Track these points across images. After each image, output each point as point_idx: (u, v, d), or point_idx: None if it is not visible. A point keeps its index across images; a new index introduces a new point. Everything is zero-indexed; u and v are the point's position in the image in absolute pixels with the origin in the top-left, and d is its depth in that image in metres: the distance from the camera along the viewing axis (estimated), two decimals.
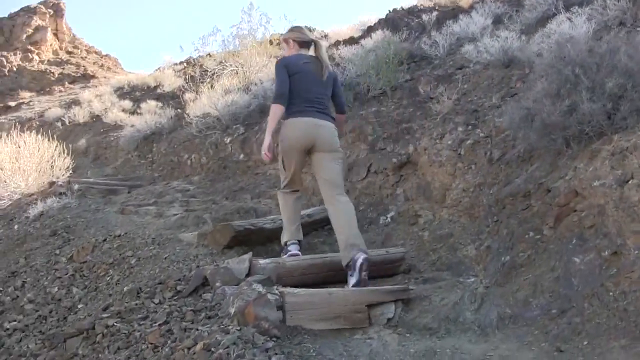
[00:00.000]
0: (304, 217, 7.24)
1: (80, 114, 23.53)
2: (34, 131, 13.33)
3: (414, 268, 7.04)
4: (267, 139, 6.11)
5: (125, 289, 6.73)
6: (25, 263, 8.43)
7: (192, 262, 6.95)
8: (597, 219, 6.09)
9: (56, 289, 7.50)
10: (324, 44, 7.60)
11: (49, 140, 12.23)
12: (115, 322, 5.77)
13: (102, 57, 39.24)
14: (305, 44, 6.44)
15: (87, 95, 26.48)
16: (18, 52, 41.40)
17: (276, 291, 6.04)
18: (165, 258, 7.21)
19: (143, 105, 19.83)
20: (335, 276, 7.08)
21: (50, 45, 37.15)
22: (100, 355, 5.52)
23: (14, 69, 40.12)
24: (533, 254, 6.43)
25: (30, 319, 6.98)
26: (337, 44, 13.63)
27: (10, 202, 11.40)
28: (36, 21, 36.75)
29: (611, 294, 5.58)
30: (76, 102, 28.43)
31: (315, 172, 6.49)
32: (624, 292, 5.53)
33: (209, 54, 21.68)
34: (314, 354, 5.44)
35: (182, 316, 5.54)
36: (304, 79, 6.20)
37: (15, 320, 6.90)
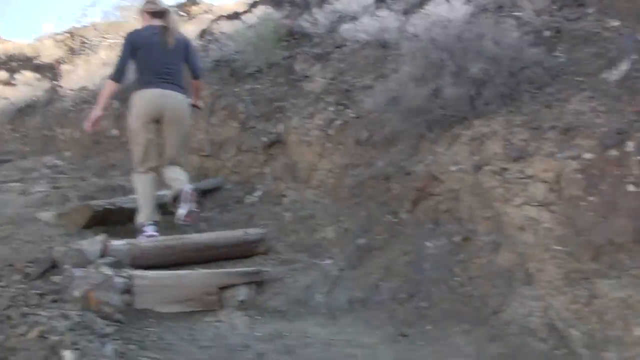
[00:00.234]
0: (167, 196, 6.98)
1: None
2: None
3: (273, 249, 7.04)
4: (95, 112, 6.31)
5: None
6: None
7: (46, 243, 6.73)
8: (452, 204, 6.21)
9: None
10: (174, 11, 7.50)
11: None
12: None
13: None
14: (157, 14, 6.45)
15: None
16: None
17: (125, 274, 5.91)
18: (20, 238, 6.97)
19: (18, 76, 19.17)
20: (193, 257, 7.04)
21: None
22: None
23: None
24: (389, 237, 6.51)
25: None
26: (219, 18, 13.49)
27: None
28: None
29: (458, 279, 5.71)
30: None
31: (163, 141, 6.59)
32: (470, 277, 5.67)
33: (93, 24, 21.10)
34: (155, 339, 5.36)
35: (26, 300, 5.35)
36: (151, 50, 6.33)
37: None
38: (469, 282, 5.56)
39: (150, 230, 6.72)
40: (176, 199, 6.47)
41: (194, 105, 7.23)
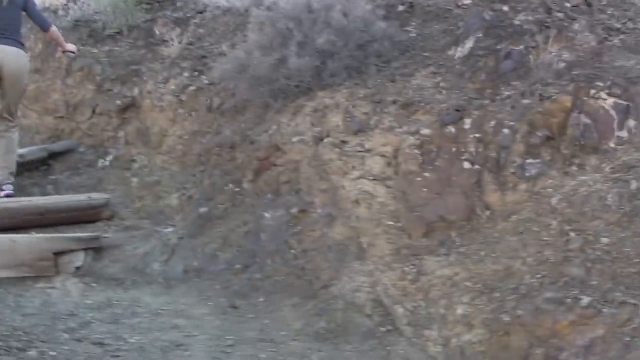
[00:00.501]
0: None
1: None
2: None
3: (118, 215, 6.55)
4: None
5: None
6: None
7: None
8: (292, 175, 5.84)
9: None
10: None
11: None
12: None
13: None
14: None
15: None
16: None
17: None
18: None
19: None
20: (34, 221, 6.57)
21: None
22: None
23: None
24: (230, 206, 6.09)
25: None
26: None
27: None
28: None
29: (293, 251, 5.37)
30: None
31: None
32: (305, 250, 5.33)
33: None
34: None
35: None
36: None
37: None
38: (303, 255, 5.19)
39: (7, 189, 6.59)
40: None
41: (65, 52, 7.40)
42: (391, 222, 4.82)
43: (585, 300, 3.87)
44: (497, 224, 4.53)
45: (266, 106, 6.33)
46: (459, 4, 6.51)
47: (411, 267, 4.52)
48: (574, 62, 5.31)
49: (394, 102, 5.46)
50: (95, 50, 8.89)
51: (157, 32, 8.75)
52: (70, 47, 7.46)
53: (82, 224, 6.78)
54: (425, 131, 5.10)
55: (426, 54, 6.24)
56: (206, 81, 7.56)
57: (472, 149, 4.95)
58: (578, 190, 4.52)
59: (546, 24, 5.63)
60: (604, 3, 5.91)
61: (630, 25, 5.66)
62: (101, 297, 5.44)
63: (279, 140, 5.86)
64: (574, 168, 4.74)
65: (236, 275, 5.47)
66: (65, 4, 9.70)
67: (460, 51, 5.95)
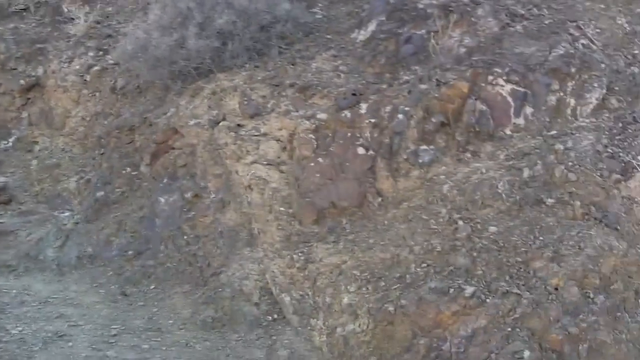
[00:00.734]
0: None
1: None
2: None
3: (16, 199, 6.21)
4: None
5: None
6: None
7: None
8: (189, 158, 5.53)
9: None
10: None
11: None
12: None
13: None
14: None
15: None
16: None
17: None
18: None
19: None
20: None
21: None
22: None
23: None
24: (128, 190, 5.76)
25: None
26: None
27: None
28: None
29: (186, 237, 5.07)
30: None
31: None
32: (197, 236, 5.04)
33: None
34: None
35: None
36: None
37: None
38: (196, 241, 4.91)
39: None
40: None
41: None
42: (283, 209, 4.56)
43: (470, 290, 3.68)
44: (388, 212, 4.30)
45: (166, 88, 5.99)
46: None
47: (300, 254, 4.27)
48: (475, 47, 5.12)
49: (292, 85, 5.20)
50: (0, 28, 8.28)
51: (65, 9, 8.18)
52: None
53: None
54: (322, 115, 4.84)
55: (329, 36, 5.97)
56: (111, 61, 7.08)
57: (367, 135, 4.70)
58: (470, 178, 4.33)
59: (450, 8, 5.40)
60: None
61: (535, 11, 5.49)
62: None
63: (177, 123, 5.54)
64: (468, 155, 4.54)
65: (129, 262, 5.17)
66: None
67: (362, 34, 5.70)
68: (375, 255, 4.09)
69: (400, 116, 4.65)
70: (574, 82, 4.80)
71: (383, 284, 3.91)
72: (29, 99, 7.53)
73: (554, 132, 4.60)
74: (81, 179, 6.11)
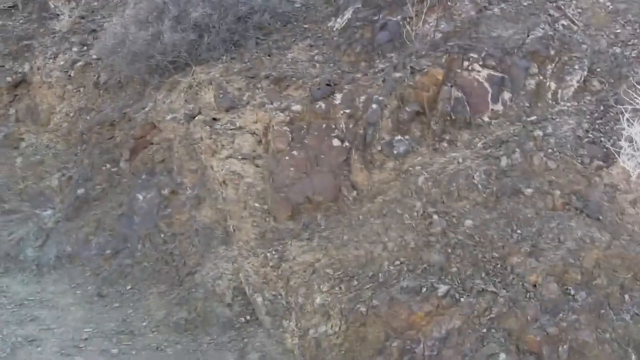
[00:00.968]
0: None
1: None
2: None
3: (0, 197, 5.71)
4: None
5: None
6: None
7: None
8: (166, 154, 5.17)
9: None
10: None
11: None
12: None
13: None
14: None
15: None
16: None
17: None
18: None
19: None
20: None
21: None
22: None
23: None
24: (108, 187, 5.46)
25: None
26: None
27: None
28: None
29: (163, 235, 4.77)
30: None
31: None
32: (174, 234, 4.72)
33: None
34: None
35: None
36: None
37: None
38: (172, 239, 4.63)
39: None
40: None
41: None
42: (257, 204, 4.26)
43: (443, 288, 3.36)
44: (363, 206, 3.99)
45: (145, 82, 5.70)
46: None
47: (274, 252, 3.97)
48: (451, 32, 4.79)
49: (267, 77, 4.88)
50: None
51: (52, 5, 7.84)
52: None
53: None
54: (296, 107, 4.53)
55: (306, 25, 5.65)
56: (94, 56, 6.74)
57: (342, 126, 4.36)
58: (446, 169, 4.00)
59: None
60: None
61: None
62: None
63: (155, 118, 5.23)
64: (444, 144, 4.23)
65: (107, 261, 4.90)
66: None
67: (339, 23, 5.37)
68: (349, 253, 3.78)
69: (374, 106, 4.33)
70: (553, 64, 4.47)
71: (356, 283, 3.61)
72: (16, 95, 7.23)
73: (533, 117, 4.28)
74: (63, 176, 5.82)
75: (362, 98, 4.40)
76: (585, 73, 4.47)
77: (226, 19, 5.53)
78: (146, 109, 5.48)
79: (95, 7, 7.59)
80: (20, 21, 7.82)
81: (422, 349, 3.28)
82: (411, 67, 4.41)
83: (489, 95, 4.34)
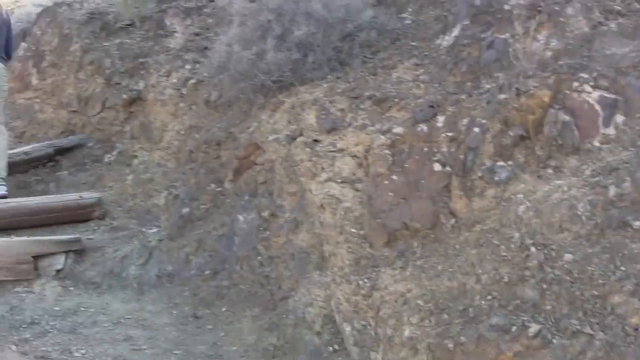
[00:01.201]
0: (21, 154, 7.36)
1: None
2: None
3: (110, 214, 6.31)
4: None
5: None
6: None
7: None
8: (268, 175, 5.35)
9: None
10: None
11: None
12: None
13: None
14: None
15: None
16: None
17: None
18: None
19: None
20: (24, 222, 6.48)
21: None
22: None
23: None
24: (211, 207, 5.69)
25: None
26: None
27: None
28: None
29: (260, 258, 4.94)
30: None
31: None
32: (271, 257, 4.90)
33: None
34: None
35: None
36: None
37: None
38: (269, 262, 4.78)
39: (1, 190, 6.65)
40: None
41: None
42: (354, 230, 4.31)
43: (535, 327, 3.31)
44: (460, 234, 3.98)
45: (250, 102, 5.82)
46: None
47: (366, 280, 4.04)
48: (561, 50, 4.69)
49: (370, 97, 4.91)
50: (107, 44, 8.52)
51: (167, 23, 8.23)
52: None
53: (73, 223, 6.38)
54: (398, 129, 4.57)
55: (414, 43, 5.68)
56: (205, 74, 7.03)
57: (444, 149, 4.35)
58: (550, 197, 3.92)
59: (539, 8, 4.94)
60: None
61: (635, 6, 4.93)
62: (72, 303, 5.23)
63: (258, 138, 5.39)
64: (549, 171, 4.13)
65: (205, 282, 5.11)
66: None
67: (446, 40, 5.37)
68: (442, 284, 3.79)
69: (476, 130, 4.29)
70: None
71: (446, 316, 3.60)
72: (131, 112, 7.65)
73: None
74: (170, 195, 6.08)
75: (465, 121, 4.39)
76: None
77: (331, 37, 5.63)
78: (250, 129, 5.66)
79: (210, 24, 7.86)
80: (137, 39, 8.23)
81: None
82: (516, 89, 4.35)
83: (600, 119, 4.23)
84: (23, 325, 4.76)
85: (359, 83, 5.37)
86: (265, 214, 5.05)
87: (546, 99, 4.33)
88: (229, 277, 4.88)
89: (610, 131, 4.22)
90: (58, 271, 5.62)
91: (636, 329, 3.22)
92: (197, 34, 7.99)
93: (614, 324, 3.26)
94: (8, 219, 6.07)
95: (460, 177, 4.31)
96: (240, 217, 5.13)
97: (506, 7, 5.19)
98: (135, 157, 7.37)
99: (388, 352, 3.81)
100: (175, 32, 8.05)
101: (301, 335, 4.23)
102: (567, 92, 4.35)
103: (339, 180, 4.77)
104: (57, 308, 4.96)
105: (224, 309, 4.69)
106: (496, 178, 4.23)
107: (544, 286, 3.52)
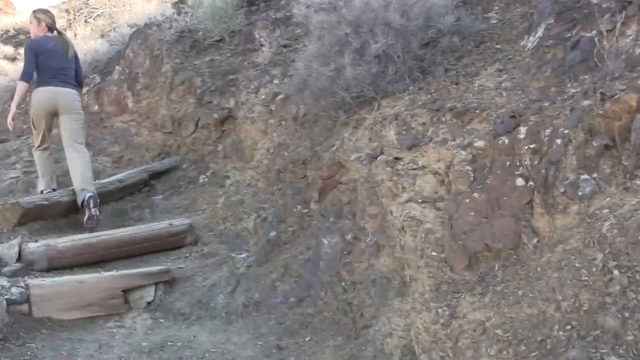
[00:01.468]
0: (115, 182, 7.71)
1: None
2: None
3: (202, 239, 6.56)
4: (12, 111, 7.08)
5: None
6: None
7: None
8: (352, 195, 5.43)
9: None
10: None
11: None
12: None
13: None
14: (51, 29, 7.37)
15: None
16: None
17: (22, 284, 5.66)
18: None
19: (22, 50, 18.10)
20: (116, 254, 6.76)
21: None
22: None
23: None
24: (298, 229, 5.85)
25: None
26: None
27: None
28: None
29: (343, 284, 5.08)
30: None
31: (60, 129, 7.32)
32: (354, 282, 5.00)
33: None
34: (29, 357, 4.95)
35: None
36: (51, 56, 7.14)
37: None
38: (352, 288, 4.90)
39: None
40: (82, 205, 7.05)
41: None
42: (435, 253, 4.38)
43: None
44: (542, 256, 3.97)
45: (334, 119, 5.92)
46: None
47: (445, 308, 4.07)
48: None
49: (452, 109, 4.92)
50: (197, 62, 8.82)
51: (256, 35, 8.44)
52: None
53: (165, 251, 6.65)
54: (479, 143, 4.61)
55: (498, 46, 5.65)
56: (294, 88, 7.18)
57: (527, 163, 4.33)
58: (637, 212, 3.83)
59: (629, 1, 4.81)
60: None
61: None
62: (161, 336, 5.41)
63: (342, 157, 5.48)
64: (638, 182, 4.02)
65: (290, 310, 5.27)
66: (169, 17, 9.60)
67: (531, 41, 5.31)
68: (522, 312, 3.79)
69: (558, 141, 4.24)
70: None
71: (524, 347, 3.61)
72: (223, 131, 7.88)
73: None
74: (258, 217, 6.26)
75: (548, 131, 4.35)
76: None
77: (412, 46, 5.66)
78: (334, 148, 5.76)
79: (299, 34, 7.95)
80: (227, 55, 8.46)
81: None
82: (601, 93, 4.25)
83: None
84: None
85: (441, 94, 5.37)
86: (349, 237, 5.14)
87: (633, 103, 4.23)
88: (313, 304, 4.96)
89: None
90: (149, 303, 5.88)
91: None
92: (285, 46, 8.12)
93: None
94: (100, 252, 6.36)
95: (541, 194, 4.25)
96: (325, 241, 5.23)
97: (594, 1, 5.06)
98: (228, 177, 7.58)
99: None
100: (263, 45, 8.15)
101: None
102: None
103: (420, 200, 4.81)
104: (145, 344, 5.15)
105: (307, 339, 4.78)
106: (580, 193, 4.17)
107: (626, 314, 3.46)
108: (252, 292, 5.49)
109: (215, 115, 8.03)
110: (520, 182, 4.44)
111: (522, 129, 4.56)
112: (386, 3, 5.66)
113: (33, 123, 7.22)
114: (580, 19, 4.96)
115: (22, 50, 17.07)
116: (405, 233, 4.66)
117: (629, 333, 3.38)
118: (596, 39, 4.74)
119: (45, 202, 7.22)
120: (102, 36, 12.25)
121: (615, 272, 3.64)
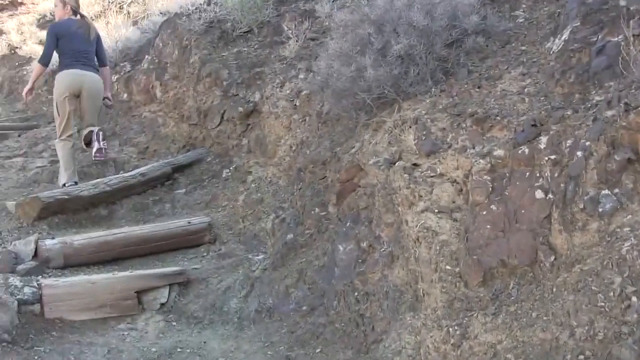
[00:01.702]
0: (137, 175, 7.60)
1: None
2: None
3: (220, 238, 6.49)
4: (29, 85, 7.61)
5: None
6: None
7: None
8: (370, 200, 5.29)
9: None
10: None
11: None
12: None
13: None
14: (75, 12, 7.60)
15: (12, 25, 23.24)
16: None
17: (34, 284, 5.58)
18: None
19: None
20: (133, 251, 6.69)
21: None
22: None
23: None
24: (315, 233, 5.74)
25: None
26: None
27: None
28: None
29: (356, 294, 4.96)
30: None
31: (80, 111, 7.55)
32: (367, 293, 4.88)
33: None
34: None
35: None
36: (72, 39, 7.33)
37: None
38: (365, 299, 4.78)
39: None
40: (88, 143, 7.41)
41: (105, 98, 7.88)
42: (449, 267, 4.24)
43: None
44: (559, 275, 3.80)
45: (355, 120, 5.77)
46: None
47: (456, 327, 3.90)
48: None
49: (472, 115, 4.72)
50: (224, 53, 8.70)
51: (284, 27, 8.29)
52: (108, 99, 8.25)
53: (184, 249, 6.57)
54: (498, 152, 4.44)
55: (523, 47, 5.43)
56: (318, 83, 7.02)
57: (547, 174, 4.13)
58: None
59: None
60: None
61: None
62: (171, 341, 5.33)
63: (361, 160, 5.33)
64: None
65: (303, 318, 5.17)
66: (198, 6, 9.48)
67: (556, 44, 5.10)
68: (535, 335, 3.64)
69: (578, 154, 4.02)
70: None
71: None
72: (248, 125, 7.79)
73: None
74: (277, 218, 6.15)
75: (569, 142, 4.15)
76: None
77: (435, 47, 5.48)
78: (354, 150, 5.62)
79: (327, 27, 7.76)
80: (255, 47, 8.34)
81: None
82: (625, 103, 4.03)
83: None
84: None
85: (463, 97, 5.20)
86: (364, 244, 5.01)
87: None
88: (325, 313, 4.85)
89: None
90: (162, 305, 5.81)
91: None
92: (312, 39, 7.94)
93: None
94: (117, 250, 6.33)
95: (560, 209, 4.05)
96: (341, 247, 5.11)
97: (622, 2, 4.84)
98: (250, 172, 7.48)
99: None
100: (290, 38, 8.00)
101: None
102: None
103: (436, 210, 4.67)
104: (154, 349, 5.08)
105: (318, 350, 4.67)
106: (600, 209, 3.98)
107: None
108: (266, 297, 5.39)
109: (241, 109, 7.90)
110: (539, 194, 4.26)
111: (543, 139, 4.37)
112: (410, 2, 5.46)
113: (57, 109, 7.25)
114: (607, 22, 4.75)
115: None
116: (420, 244, 4.51)
117: None
118: (622, 43, 4.48)
119: (66, 197, 7.16)
120: (135, 23, 12.13)
121: (634, 298, 3.47)
